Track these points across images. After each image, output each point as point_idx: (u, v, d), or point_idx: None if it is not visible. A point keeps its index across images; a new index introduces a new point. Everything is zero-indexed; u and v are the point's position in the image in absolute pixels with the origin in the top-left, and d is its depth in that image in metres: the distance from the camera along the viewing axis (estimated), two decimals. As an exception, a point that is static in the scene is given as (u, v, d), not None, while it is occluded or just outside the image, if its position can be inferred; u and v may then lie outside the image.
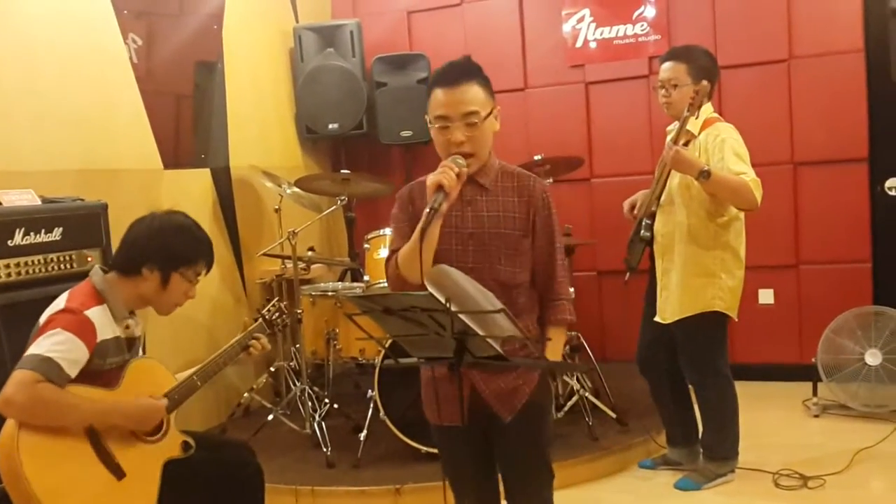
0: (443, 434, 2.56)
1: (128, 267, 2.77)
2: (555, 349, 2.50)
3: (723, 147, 3.62)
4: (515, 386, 2.44)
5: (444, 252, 2.40)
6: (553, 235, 2.48)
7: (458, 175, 2.31)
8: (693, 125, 3.73)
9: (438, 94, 2.39)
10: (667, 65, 3.83)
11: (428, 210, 2.27)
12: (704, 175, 3.50)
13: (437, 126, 2.41)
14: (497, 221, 2.44)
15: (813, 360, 4.91)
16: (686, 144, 3.73)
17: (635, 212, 4.03)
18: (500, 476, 2.59)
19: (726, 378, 3.94)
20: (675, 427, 4.18)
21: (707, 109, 3.80)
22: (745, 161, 3.62)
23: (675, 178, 3.76)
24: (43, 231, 3.36)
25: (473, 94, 2.37)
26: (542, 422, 2.54)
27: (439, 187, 2.28)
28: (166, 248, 2.76)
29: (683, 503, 3.88)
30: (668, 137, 3.78)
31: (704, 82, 3.66)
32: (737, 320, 3.91)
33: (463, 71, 2.40)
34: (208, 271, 2.91)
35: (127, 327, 2.77)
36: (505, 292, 2.38)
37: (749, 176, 3.55)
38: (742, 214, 3.77)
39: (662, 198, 3.83)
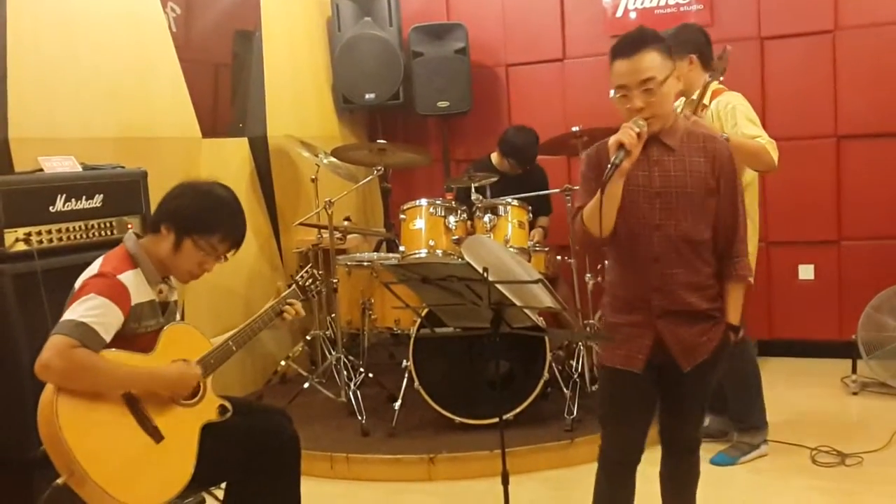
0: (618, 378, 2.63)
1: (153, 221, 2.78)
2: (735, 307, 2.61)
3: (735, 113, 3.68)
4: (700, 342, 2.56)
5: (631, 209, 2.52)
6: (737, 194, 2.57)
7: (638, 135, 2.41)
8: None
9: (617, 65, 2.50)
10: None
11: (609, 166, 2.38)
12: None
13: (618, 95, 2.50)
14: (683, 180, 2.52)
15: (853, 336, 4.85)
16: (696, 114, 3.74)
17: None
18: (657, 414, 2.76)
19: (749, 345, 3.95)
20: (718, 396, 4.14)
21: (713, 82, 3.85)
22: (757, 125, 3.69)
23: None
24: (84, 198, 3.38)
25: (649, 60, 2.46)
26: (716, 373, 2.67)
27: (620, 145, 2.39)
28: (183, 208, 2.73)
29: (718, 478, 3.86)
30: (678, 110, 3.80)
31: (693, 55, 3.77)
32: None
33: (638, 40, 2.49)
34: (231, 249, 2.81)
35: (160, 292, 2.79)
36: (691, 248, 2.53)
37: (764, 138, 3.61)
38: (756, 181, 3.83)
39: None
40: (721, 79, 3.70)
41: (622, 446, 2.72)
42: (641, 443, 2.72)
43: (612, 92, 2.53)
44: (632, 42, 2.48)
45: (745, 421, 4.00)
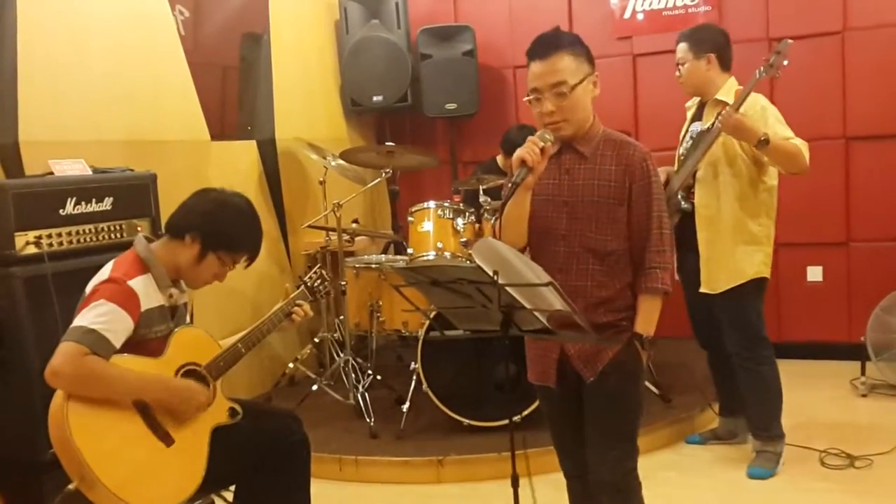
0: (541, 394, 2.68)
1: (175, 228, 2.78)
2: (645, 318, 2.49)
3: (765, 115, 3.63)
4: (598, 348, 2.48)
5: (539, 219, 2.51)
6: (650, 204, 2.48)
7: (542, 150, 2.38)
8: (727, 96, 3.74)
9: (531, 67, 2.48)
10: (677, 47, 3.89)
11: (511, 183, 2.38)
12: (764, 142, 3.49)
13: (531, 98, 2.48)
14: (591, 189, 2.48)
15: (862, 338, 4.84)
16: (719, 115, 3.71)
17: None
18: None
19: (771, 349, 3.88)
20: (733, 396, 4.11)
21: (733, 83, 3.81)
22: (787, 126, 3.65)
23: (718, 151, 3.72)
24: (94, 200, 3.39)
25: (563, 64, 2.43)
26: (627, 386, 2.55)
27: (523, 162, 2.38)
28: (216, 224, 2.76)
29: (725, 480, 3.86)
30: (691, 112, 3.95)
31: (711, 55, 3.76)
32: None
33: (551, 42, 2.45)
34: (249, 264, 2.89)
35: (170, 296, 2.79)
36: (597, 259, 2.47)
37: (797, 140, 3.58)
38: (777, 182, 3.78)
39: (700, 172, 3.79)
40: (777, 75, 3.71)
41: (568, 462, 2.72)
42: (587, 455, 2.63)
43: (526, 95, 2.51)
44: (545, 44, 2.45)
45: (768, 430, 3.89)
